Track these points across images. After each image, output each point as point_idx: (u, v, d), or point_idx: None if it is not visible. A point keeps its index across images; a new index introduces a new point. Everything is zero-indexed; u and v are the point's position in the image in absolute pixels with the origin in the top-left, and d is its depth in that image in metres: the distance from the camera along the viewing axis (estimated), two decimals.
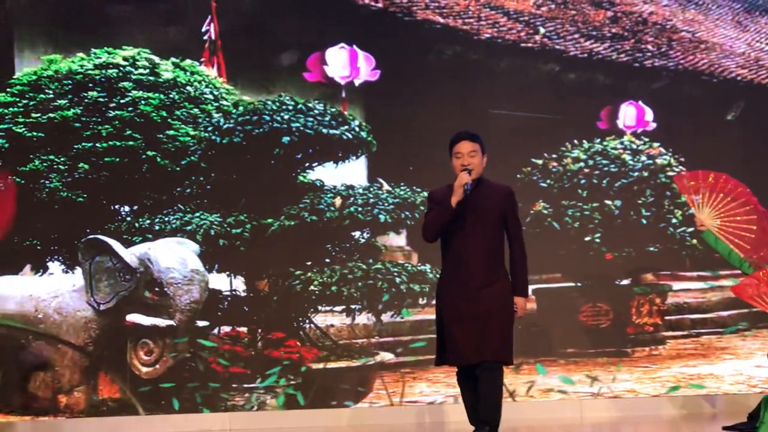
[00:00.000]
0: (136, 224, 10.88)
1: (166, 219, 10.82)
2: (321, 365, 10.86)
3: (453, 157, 7.16)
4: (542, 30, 14.54)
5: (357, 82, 12.40)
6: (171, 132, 10.97)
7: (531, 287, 13.39)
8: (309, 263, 11.01)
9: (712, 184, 7.64)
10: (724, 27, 19.49)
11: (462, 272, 7.07)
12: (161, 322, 10.22)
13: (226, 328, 10.84)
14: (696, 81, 15.40)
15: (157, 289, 10.25)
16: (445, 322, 7.15)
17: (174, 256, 10.33)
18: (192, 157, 11.01)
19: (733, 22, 20.20)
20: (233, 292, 11.00)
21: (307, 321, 11.04)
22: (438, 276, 7.45)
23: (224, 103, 11.29)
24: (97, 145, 10.85)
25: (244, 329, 10.90)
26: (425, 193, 9.56)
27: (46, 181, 10.85)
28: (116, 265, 10.17)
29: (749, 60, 18.37)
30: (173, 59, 11.34)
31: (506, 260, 7.37)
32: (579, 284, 13.34)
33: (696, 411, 11.41)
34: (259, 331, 10.89)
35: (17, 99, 11.01)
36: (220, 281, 10.95)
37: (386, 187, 11.28)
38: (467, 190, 6.94)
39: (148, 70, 11.10)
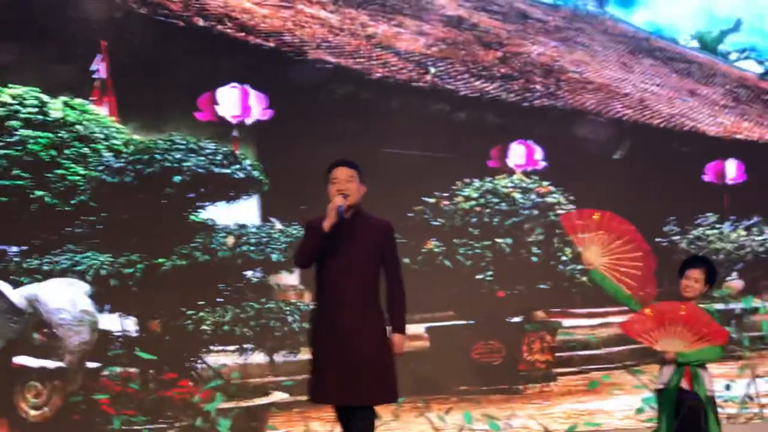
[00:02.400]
0: (25, 264, 10.68)
1: (56, 259, 10.65)
2: (214, 405, 10.76)
3: (329, 183, 7.00)
4: (433, 70, 14.68)
5: (248, 122, 12.39)
6: (60, 171, 10.83)
7: (424, 325, 13.56)
8: (201, 303, 10.92)
9: (598, 222, 7.73)
10: (611, 68, 19.85)
11: (335, 305, 6.86)
12: (50, 364, 10.05)
13: (117, 370, 10.69)
14: (584, 120, 15.66)
15: (46, 330, 10.09)
16: (316, 358, 6.95)
17: (64, 297, 10.17)
18: (82, 197, 10.88)
19: (619, 64, 20.59)
20: (125, 333, 10.87)
21: (200, 361, 10.95)
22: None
23: (115, 142, 11.18)
24: None
25: (135, 370, 10.76)
26: None
27: None
28: (3, 307, 9.99)
29: (634, 100, 18.72)
30: (63, 98, 11.20)
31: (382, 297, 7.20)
32: (471, 322, 13.43)
33: None
34: (151, 371, 10.76)
35: None
36: (111, 322, 10.81)
37: (279, 226, 11.27)
38: (341, 212, 6.77)
39: (36, 109, 10.95)
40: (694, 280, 7.37)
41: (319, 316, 6.91)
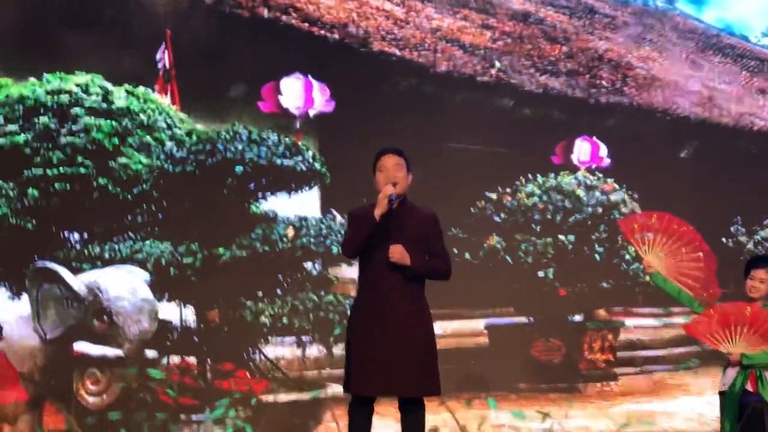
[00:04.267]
0: (86, 252, 10.71)
1: (117, 247, 10.67)
2: (271, 397, 10.74)
3: (377, 172, 6.88)
4: (498, 64, 14.59)
5: (312, 113, 12.37)
6: (123, 160, 10.84)
7: (483, 321, 13.48)
8: (260, 294, 10.90)
9: (657, 224, 7.62)
10: (679, 65, 19.63)
11: (380, 295, 6.73)
12: (109, 351, 10.05)
13: (176, 359, 10.70)
14: (650, 118, 15.50)
15: (105, 318, 10.09)
16: (355, 348, 6.86)
17: (124, 285, 10.18)
18: (144, 186, 10.87)
19: (687, 61, 20.36)
20: (183, 322, 10.87)
21: (258, 352, 10.93)
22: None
23: (177, 131, 11.17)
24: (48, 171, 10.69)
25: (193, 360, 10.76)
26: None
27: None
28: (64, 293, 10.01)
29: (703, 98, 18.49)
30: (127, 86, 11.21)
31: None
32: (531, 319, 13.34)
33: None
34: (209, 361, 10.76)
35: None
36: (170, 311, 10.81)
37: (339, 218, 11.21)
38: (392, 201, 6.66)
39: (100, 97, 10.96)
40: (759, 280, 7.25)
41: (363, 306, 6.79)
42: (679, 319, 12.30)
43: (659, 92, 17.19)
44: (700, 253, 7.44)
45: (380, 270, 6.69)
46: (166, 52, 11.60)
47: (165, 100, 11.45)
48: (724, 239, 16.20)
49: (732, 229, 16.89)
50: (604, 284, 13.09)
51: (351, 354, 6.79)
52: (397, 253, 6.58)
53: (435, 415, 10.81)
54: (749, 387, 7.18)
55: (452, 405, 11.29)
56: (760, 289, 7.25)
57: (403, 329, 6.65)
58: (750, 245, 16.85)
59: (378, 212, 6.57)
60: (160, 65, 11.67)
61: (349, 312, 7.05)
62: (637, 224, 7.59)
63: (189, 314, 10.87)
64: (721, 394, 7.29)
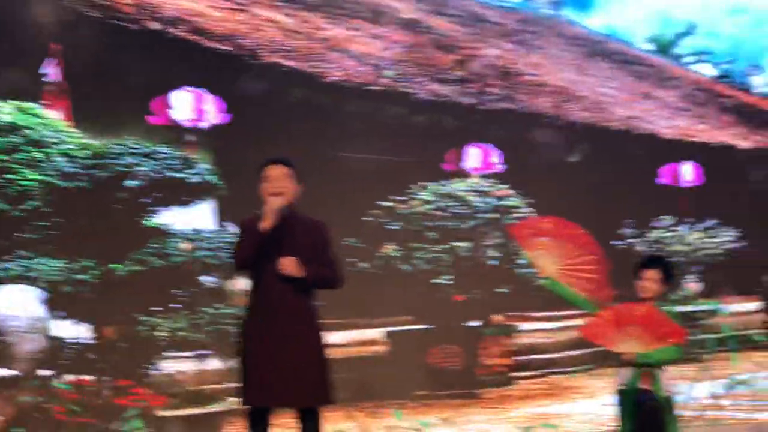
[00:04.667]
0: None
1: (7, 265, 10.49)
2: (169, 413, 10.64)
3: (262, 182, 6.86)
4: (389, 73, 14.65)
5: (204, 126, 12.30)
6: (11, 176, 10.67)
7: (382, 330, 13.51)
8: (156, 308, 10.80)
9: (548, 229, 7.71)
10: (567, 71, 19.89)
11: (271, 307, 6.74)
12: (3, 372, 9.91)
13: (71, 377, 10.55)
14: (541, 124, 15.68)
15: None
16: (248, 360, 6.85)
17: (16, 304, 10.04)
18: (34, 202, 10.72)
19: (575, 66, 20.64)
20: (78, 340, 10.72)
21: (155, 367, 10.82)
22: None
23: (68, 146, 11.03)
24: None
25: (90, 377, 10.62)
26: None
27: None
28: None
29: (591, 103, 18.77)
30: (13, 101, 11.04)
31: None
32: (429, 326, 13.39)
33: None
34: (105, 378, 10.63)
35: None
36: (64, 328, 10.66)
37: (234, 230, 11.15)
38: (278, 214, 6.65)
39: None
40: (651, 280, 7.37)
41: (254, 317, 6.79)
42: (576, 322, 12.44)
43: (548, 98, 17.40)
44: (592, 256, 7.53)
45: (270, 281, 6.68)
46: (55, 66, 11.45)
47: (55, 115, 11.29)
48: (614, 242, 16.45)
49: (622, 231, 17.16)
50: (500, 289, 13.19)
51: (244, 366, 6.78)
52: (288, 266, 6.58)
53: (340, 424, 10.83)
54: (644, 385, 7.30)
55: (355, 414, 11.31)
56: (651, 288, 7.37)
57: (295, 340, 6.67)
58: (640, 247, 17.13)
59: (263, 226, 6.56)
60: (48, 79, 11.52)
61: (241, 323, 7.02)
62: (529, 229, 7.67)
63: (84, 331, 10.72)
64: (619, 392, 7.40)
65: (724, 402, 12.11)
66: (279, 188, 6.67)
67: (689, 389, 11.77)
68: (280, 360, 6.64)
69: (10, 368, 9.91)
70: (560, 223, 7.56)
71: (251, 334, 6.77)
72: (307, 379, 6.68)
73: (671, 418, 7.37)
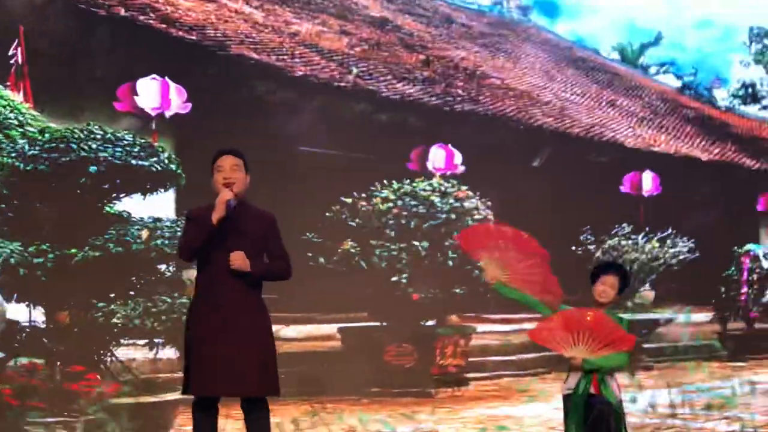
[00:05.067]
0: None
1: None
2: (122, 400, 10.62)
3: (215, 172, 6.92)
4: (355, 70, 14.67)
5: (168, 114, 12.28)
6: None
7: (337, 325, 13.53)
8: (112, 295, 10.78)
9: (493, 236, 7.79)
10: (532, 75, 19.98)
11: (218, 297, 6.76)
12: None
13: (23, 361, 10.51)
14: (504, 127, 15.75)
15: None
16: (194, 348, 6.88)
17: None
18: None
19: (541, 72, 20.73)
20: (32, 323, 10.69)
21: (109, 354, 10.80)
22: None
23: (30, 129, 10.98)
24: None
25: (41, 362, 10.58)
26: None
27: None
28: None
29: (555, 108, 18.85)
30: None
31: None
32: (385, 324, 13.43)
33: None
34: (58, 364, 10.60)
35: None
36: (18, 312, 10.62)
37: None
38: (230, 206, 6.71)
39: None
40: (609, 285, 7.43)
41: (201, 308, 6.82)
42: (530, 325, 12.51)
43: (513, 102, 17.46)
44: (538, 260, 7.60)
45: (218, 272, 6.73)
46: (19, 48, 11.40)
47: (17, 97, 11.24)
48: (573, 247, 16.55)
49: (581, 237, 17.27)
50: (457, 290, 13.24)
51: (190, 355, 6.81)
52: (238, 260, 6.62)
53: (293, 417, 10.86)
54: (593, 390, 7.36)
55: (310, 408, 11.33)
56: (609, 294, 7.43)
57: (241, 330, 6.71)
58: (598, 253, 17.24)
59: (216, 217, 6.61)
60: (12, 61, 11.46)
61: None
62: (475, 237, 7.75)
63: (38, 315, 10.69)
64: (565, 397, 7.45)
65: (678, 411, 12.21)
66: (230, 178, 6.74)
67: (642, 397, 11.85)
68: (225, 350, 6.67)
69: None
70: (503, 228, 7.63)
71: (197, 323, 6.81)
72: (251, 368, 6.72)
73: (621, 424, 7.44)
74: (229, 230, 6.67)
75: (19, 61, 11.39)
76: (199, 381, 6.76)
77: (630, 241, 17.91)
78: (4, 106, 10.92)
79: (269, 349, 6.84)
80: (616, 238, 17.81)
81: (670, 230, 18.27)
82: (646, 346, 15.94)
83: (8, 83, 11.28)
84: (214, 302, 6.74)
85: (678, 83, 27.78)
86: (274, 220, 6.92)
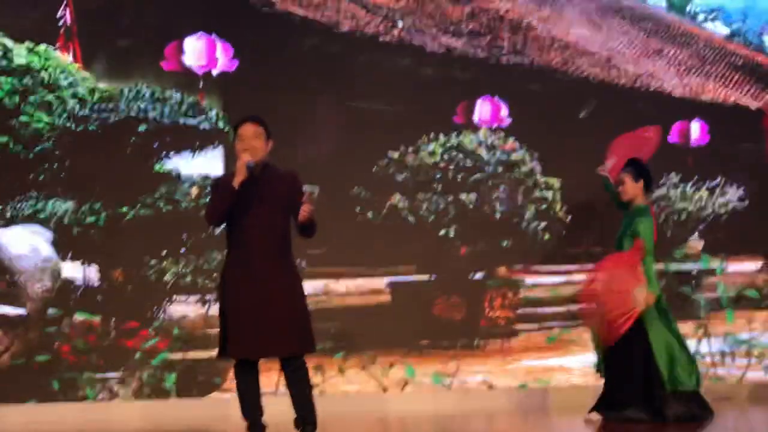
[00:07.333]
0: None
1: (18, 206, 10.61)
2: (175, 356, 10.78)
3: (236, 140, 7.02)
4: (401, 24, 14.64)
5: (215, 72, 12.33)
6: (24, 118, 10.76)
7: (386, 279, 13.60)
8: (164, 253, 10.92)
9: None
10: (578, 26, 19.84)
11: (249, 260, 6.87)
12: (11, 311, 10.04)
13: (79, 317, 10.69)
14: (550, 78, 15.65)
15: (7, 277, 10.07)
16: (230, 313, 6.96)
17: (26, 244, 10.16)
18: (46, 144, 10.82)
19: (587, 21, 20.58)
20: (86, 281, 10.85)
21: (162, 311, 10.95)
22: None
23: (80, 89, 11.10)
24: None
25: (97, 319, 10.75)
26: None
27: None
28: None
29: (601, 59, 18.73)
30: (28, 44, 11.10)
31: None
32: (433, 277, 13.47)
33: (541, 403, 11.68)
34: (113, 320, 10.77)
35: None
36: (73, 270, 10.78)
37: None
38: (250, 168, 6.79)
39: (0, 54, 10.86)
40: (622, 183, 8.39)
41: (232, 271, 6.95)
42: (578, 277, 12.56)
43: (559, 53, 17.38)
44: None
45: (246, 234, 6.88)
46: (68, 8, 11.48)
47: (67, 58, 11.35)
48: None
49: None
50: (505, 243, 13.26)
51: (226, 319, 6.92)
52: (307, 211, 6.80)
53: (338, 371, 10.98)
54: None
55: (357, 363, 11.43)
56: (626, 191, 8.55)
57: (273, 290, 6.83)
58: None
59: (237, 180, 6.76)
60: (61, 22, 11.55)
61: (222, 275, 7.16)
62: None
63: (92, 273, 10.85)
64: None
65: (718, 359, 12.23)
66: (249, 147, 6.86)
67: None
68: (260, 311, 6.78)
69: (19, 307, 10.04)
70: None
71: (230, 286, 6.94)
72: (287, 329, 6.83)
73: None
74: (253, 193, 6.79)
75: (68, 22, 11.48)
76: (239, 345, 6.90)
77: (678, 191, 17.80)
78: (54, 67, 11.04)
79: (303, 308, 6.96)
80: (664, 188, 17.72)
81: (719, 179, 18.14)
82: (692, 297, 15.91)
83: (58, 45, 11.38)
84: (246, 266, 6.88)
85: (726, 30, 27.49)
86: (297, 179, 7.06)
